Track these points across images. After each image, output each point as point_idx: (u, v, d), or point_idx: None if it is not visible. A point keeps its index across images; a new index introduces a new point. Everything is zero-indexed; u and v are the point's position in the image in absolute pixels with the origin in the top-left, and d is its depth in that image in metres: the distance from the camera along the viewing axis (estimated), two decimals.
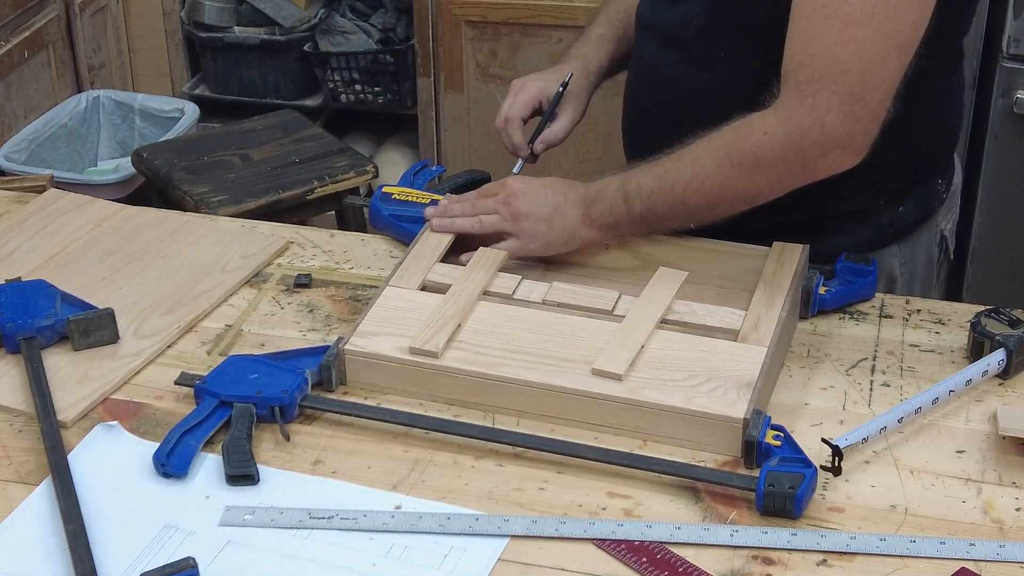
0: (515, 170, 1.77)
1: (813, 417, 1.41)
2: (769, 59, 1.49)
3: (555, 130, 1.79)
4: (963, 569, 1.21)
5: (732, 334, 1.46)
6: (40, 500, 1.31)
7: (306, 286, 1.65)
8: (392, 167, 3.45)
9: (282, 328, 1.58)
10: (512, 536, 1.26)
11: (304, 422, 1.42)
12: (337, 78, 3.53)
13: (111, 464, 1.36)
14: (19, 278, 1.62)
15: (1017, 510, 1.29)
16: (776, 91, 1.47)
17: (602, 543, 1.25)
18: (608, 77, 1.85)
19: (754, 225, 1.56)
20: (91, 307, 1.56)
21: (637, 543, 1.24)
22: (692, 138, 1.53)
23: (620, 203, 1.56)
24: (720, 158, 1.49)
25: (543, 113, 1.79)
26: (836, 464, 1.31)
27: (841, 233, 1.65)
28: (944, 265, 1.78)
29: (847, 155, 1.46)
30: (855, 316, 1.58)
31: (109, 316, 1.53)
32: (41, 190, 1.90)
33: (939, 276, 1.78)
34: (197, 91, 3.68)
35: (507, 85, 1.84)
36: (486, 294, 1.54)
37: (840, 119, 1.43)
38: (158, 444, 1.36)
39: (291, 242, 1.76)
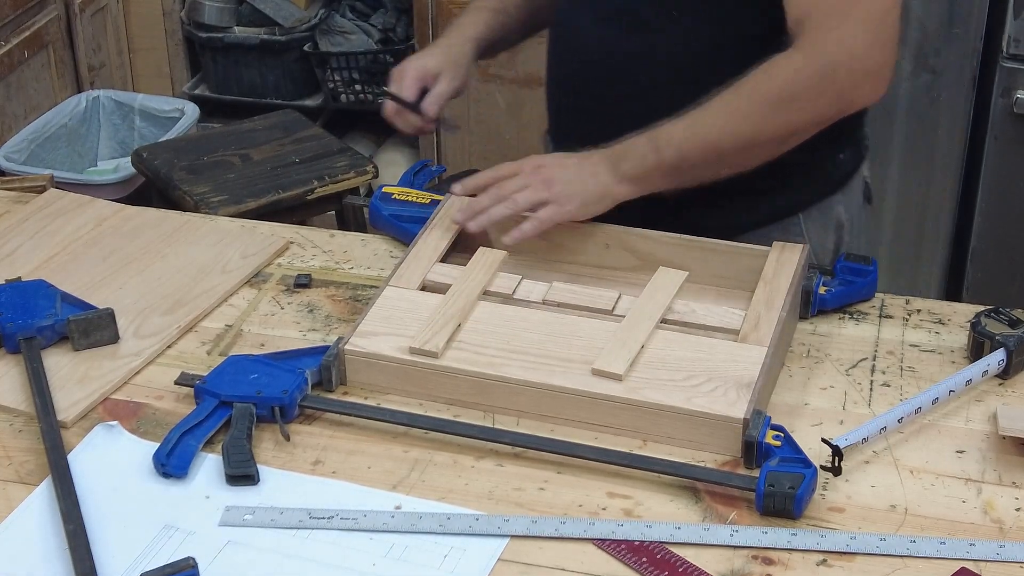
0: (447, 131, 1.81)
1: (813, 417, 1.41)
2: (724, 12, 1.52)
3: (439, 89, 1.78)
4: (963, 569, 1.21)
5: (732, 334, 1.46)
6: (40, 500, 1.31)
7: (306, 286, 1.65)
8: (392, 167, 3.45)
9: (282, 328, 1.58)
10: (512, 536, 1.26)
11: (304, 422, 1.42)
12: (337, 78, 3.53)
13: (111, 464, 1.36)
14: (19, 278, 1.62)
15: (1017, 510, 1.29)
16: (788, 35, 1.50)
17: (602, 543, 1.25)
18: (494, 50, 1.86)
19: (718, 185, 1.57)
20: (91, 307, 1.56)
21: (637, 543, 1.24)
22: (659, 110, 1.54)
23: (651, 154, 1.55)
24: (753, 99, 1.51)
25: (428, 91, 1.78)
26: (836, 464, 1.31)
27: (799, 187, 1.68)
28: (868, 211, 1.83)
29: (879, 84, 1.50)
30: (855, 316, 1.58)
31: (109, 316, 1.53)
32: (41, 190, 1.90)
33: (867, 223, 1.84)
34: (197, 91, 3.68)
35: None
36: (486, 294, 1.54)
37: (867, 46, 1.46)
38: (158, 444, 1.36)
39: (291, 242, 1.75)
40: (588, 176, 1.57)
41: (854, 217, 1.77)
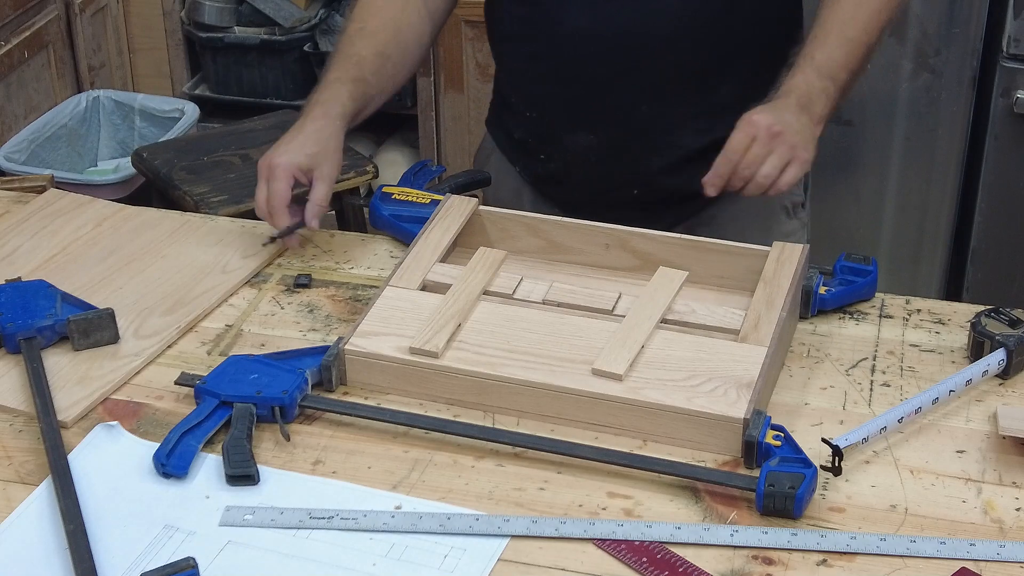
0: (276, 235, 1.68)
1: (813, 417, 1.41)
2: None
3: (319, 196, 1.66)
4: (963, 569, 1.21)
5: (732, 334, 1.46)
6: (40, 500, 1.31)
7: (306, 286, 1.65)
8: (392, 167, 3.45)
9: (282, 328, 1.58)
10: (512, 536, 1.26)
11: (304, 422, 1.42)
12: None
13: (111, 464, 1.36)
14: (19, 278, 1.62)
15: (1017, 510, 1.29)
16: None
17: (602, 543, 1.25)
18: (356, 121, 1.74)
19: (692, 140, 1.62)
20: (91, 307, 1.56)
21: (637, 543, 1.24)
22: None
23: (830, 86, 1.57)
24: None
25: (301, 186, 1.66)
26: (836, 464, 1.31)
27: None
28: None
29: None
30: (855, 316, 1.58)
31: (109, 316, 1.53)
32: (41, 190, 1.90)
33: None
34: (197, 91, 3.68)
35: None
36: (486, 294, 1.54)
37: None
38: (158, 444, 1.36)
39: None
40: (803, 129, 1.55)
41: None
